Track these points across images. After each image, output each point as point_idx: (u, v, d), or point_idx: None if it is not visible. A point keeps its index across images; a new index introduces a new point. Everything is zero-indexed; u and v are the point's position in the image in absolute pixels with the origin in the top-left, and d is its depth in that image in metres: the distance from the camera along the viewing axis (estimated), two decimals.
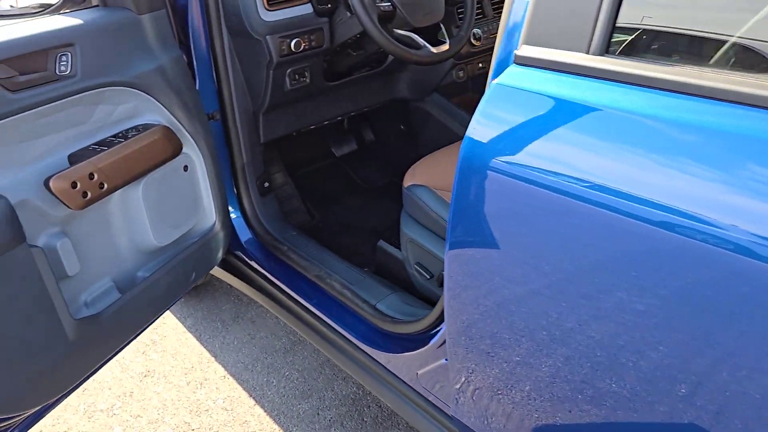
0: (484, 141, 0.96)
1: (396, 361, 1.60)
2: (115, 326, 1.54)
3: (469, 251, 1.09)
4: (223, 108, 1.94)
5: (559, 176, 0.87)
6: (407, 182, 1.73)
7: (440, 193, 1.66)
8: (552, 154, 0.88)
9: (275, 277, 1.98)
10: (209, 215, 1.82)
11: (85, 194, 1.37)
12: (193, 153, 1.72)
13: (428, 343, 1.43)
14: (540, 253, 0.94)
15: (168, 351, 2.44)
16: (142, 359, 2.40)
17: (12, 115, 1.25)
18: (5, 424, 1.37)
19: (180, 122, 1.64)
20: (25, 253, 1.28)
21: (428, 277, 1.68)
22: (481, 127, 0.96)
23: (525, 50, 0.93)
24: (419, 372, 1.50)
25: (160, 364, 2.38)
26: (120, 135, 1.50)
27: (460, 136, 2.39)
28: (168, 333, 2.53)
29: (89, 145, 1.45)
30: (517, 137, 0.93)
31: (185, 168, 1.70)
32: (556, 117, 0.89)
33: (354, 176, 2.73)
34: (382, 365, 1.66)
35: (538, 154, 0.90)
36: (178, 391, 2.25)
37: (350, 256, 2.07)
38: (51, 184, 1.30)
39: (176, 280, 1.72)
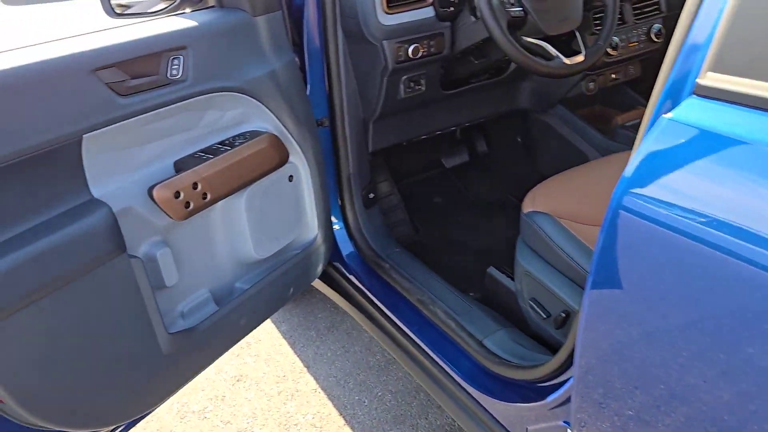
0: (648, 186, 0.78)
1: (502, 409, 1.44)
2: (209, 340, 1.48)
3: (617, 299, 0.91)
4: (333, 115, 1.84)
5: (748, 246, 0.68)
6: (527, 208, 1.55)
7: (565, 223, 1.47)
8: (743, 218, 0.69)
9: (374, 296, 1.87)
10: (311, 228, 1.74)
11: (187, 204, 1.31)
12: (300, 162, 1.63)
13: (545, 397, 1.25)
14: (715, 321, 0.75)
15: (261, 356, 2.40)
16: (236, 362, 2.37)
17: (120, 121, 1.20)
18: None
19: (288, 130, 1.56)
20: (125, 264, 1.24)
21: (544, 316, 1.50)
22: (645, 170, 0.78)
23: (712, 79, 0.74)
24: (530, 428, 1.33)
25: (253, 369, 2.35)
26: (226, 142, 1.44)
27: (584, 155, 2.16)
28: (263, 337, 2.49)
29: (195, 152, 1.39)
30: (695, 188, 0.74)
31: (290, 178, 1.62)
32: (757, 171, 0.69)
33: (463, 189, 2.57)
34: (486, 409, 1.50)
35: (724, 214, 0.71)
36: (268, 400, 2.20)
37: (455, 278, 1.92)
38: (154, 193, 1.25)
39: (273, 295, 1.65)
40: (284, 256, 1.68)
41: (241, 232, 1.54)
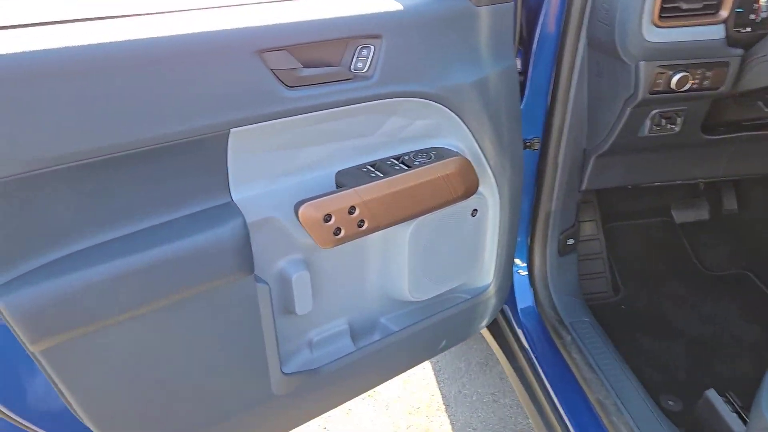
0: None
1: None
2: (334, 384, 1.25)
3: None
4: (547, 138, 1.48)
5: None
6: None
7: None
8: None
9: (542, 369, 1.50)
10: (485, 274, 1.41)
11: (337, 231, 1.05)
12: (490, 194, 1.30)
13: None
14: None
15: (401, 374, 2.16)
16: None
17: (281, 117, 0.97)
18: None
19: (484, 153, 1.23)
20: (249, 288, 1.03)
21: None
22: None
23: None
24: None
25: (385, 386, 2.12)
26: (404, 159, 1.15)
27: None
28: None
29: (363, 165, 1.13)
30: None
31: (473, 212, 1.30)
32: None
33: (691, 253, 2.04)
34: None
35: None
36: (394, 430, 1.96)
37: (652, 370, 1.48)
38: (300, 212, 1.01)
39: (421, 345, 1.37)
40: (444, 302, 1.38)
41: (397, 266, 1.26)
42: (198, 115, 0.90)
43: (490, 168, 1.26)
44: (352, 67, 1.04)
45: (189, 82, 0.87)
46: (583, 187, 1.58)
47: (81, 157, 0.83)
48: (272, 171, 1.05)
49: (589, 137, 1.48)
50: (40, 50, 0.77)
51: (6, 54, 0.75)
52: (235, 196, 1.02)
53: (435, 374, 2.17)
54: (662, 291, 1.91)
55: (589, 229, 1.88)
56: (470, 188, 1.20)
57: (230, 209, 1.00)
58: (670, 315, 1.81)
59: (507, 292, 1.48)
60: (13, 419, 1.04)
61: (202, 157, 0.95)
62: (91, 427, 0.98)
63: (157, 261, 0.92)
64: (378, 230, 1.11)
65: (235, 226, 0.98)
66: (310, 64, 0.99)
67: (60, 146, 0.80)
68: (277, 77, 0.95)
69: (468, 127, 1.19)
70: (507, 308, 1.66)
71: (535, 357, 1.51)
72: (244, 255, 1.00)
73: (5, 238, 0.82)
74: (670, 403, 1.51)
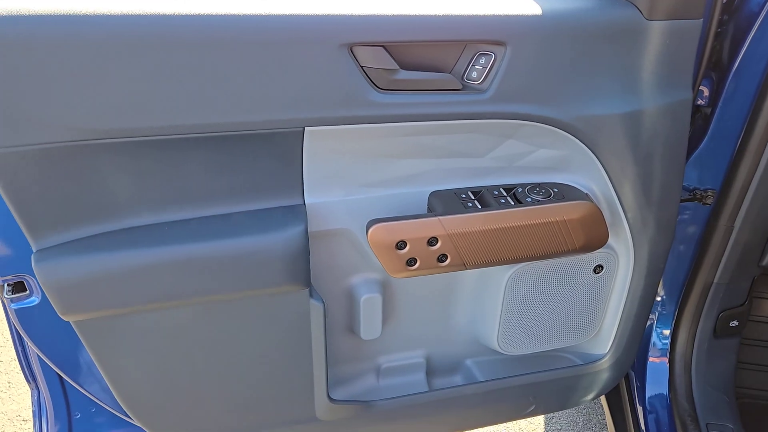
0: None
1: None
2: (387, 423, 1.13)
3: None
4: (726, 192, 1.18)
5: None
6: None
7: None
8: None
9: None
10: (601, 343, 1.17)
11: (412, 262, 0.92)
12: (623, 252, 1.06)
13: None
14: None
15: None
16: None
17: (368, 123, 0.85)
18: None
19: (621, 202, 1.00)
20: (301, 304, 0.94)
21: None
22: None
23: None
24: None
25: None
26: (516, 191, 0.97)
27: None
28: None
29: (464, 190, 0.97)
30: None
31: (597, 269, 1.07)
32: None
33: None
34: None
35: None
36: None
37: None
38: (370, 232, 0.89)
39: (507, 403, 1.18)
40: (549, 359, 1.18)
41: (488, 312, 1.09)
42: (273, 107, 0.81)
43: (627, 221, 1.02)
44: (465, 76, 0.88)
45: (267, 71, 0.79)
46: (765, 262, 1.25)
47: (144, 133, 0.78)
48: (354, 179, 0.93)
49: None
50: (115, 15, 0.72)
51: (80, 15, 0.71)
52: (309, 199, 0.93)
53: (545, 419, 1.94)
54: None
55: (766, 308, 1.51)
56: (595, 242, 0.98)
57: (295, 213, 0.91)
58: None
59: (627, 369, 1.22)
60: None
61: (276, 153, 0.87)
62: (121, 404, 0.96)
63: (204, 255, 0.86)
64: (464, 269, 0.95)
65: (295, 233, 0.88)
66: (410, 66, 0.85)
67: (125, 120, 0.76)
68: (368, 77, 0.83)
69: (605, 168, 0.97)
70: (635, 380, 1.39)
71: None
72: (299, 266, 0.91)
73: (55, 204, 0.80)
74: None
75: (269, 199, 0.90)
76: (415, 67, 0.86)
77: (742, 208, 1.17)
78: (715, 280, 1.26)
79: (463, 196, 0.97)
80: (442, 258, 0.93)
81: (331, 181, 0.92)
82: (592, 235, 0.98)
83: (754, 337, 1.48)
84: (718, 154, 1.17)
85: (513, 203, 0.95)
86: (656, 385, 1.33)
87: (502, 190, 0.98)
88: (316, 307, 0.95)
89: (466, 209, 0.93)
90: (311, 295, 0.95)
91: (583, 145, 0.94)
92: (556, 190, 0.98)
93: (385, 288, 1.05)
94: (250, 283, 0.89)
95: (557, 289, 1.07)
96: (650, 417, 1.30)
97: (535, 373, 1.15)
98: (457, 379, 1.21)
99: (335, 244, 0.98)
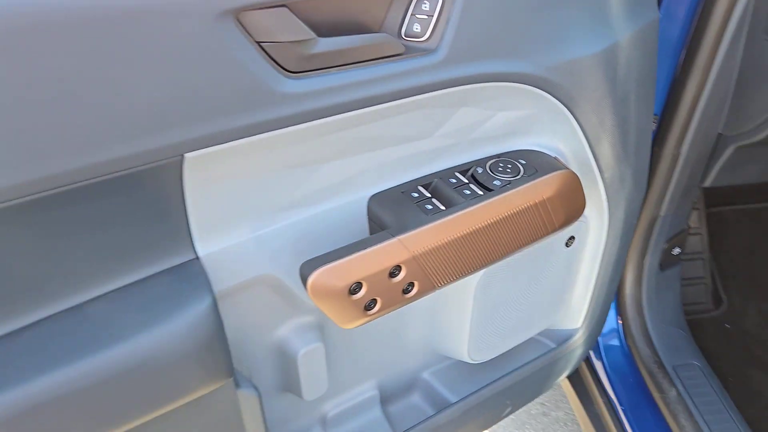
0: None
1: None
2: None
3: None
4: (670, 119, 1.05)
5: None
6: None
7: None
8: None
9: (630, 425, 1.15)
10: (572, 318, 1.02)
11: (371, 305, 0.66)
12: (596, 216, 0.89)
13: None
14: None
15: None
16: None
17: (276, 128, 0.56)
18: None
19: (598, 161, 0.82)
20: (227, 402, 0.65)
21: None
22: None
23: None
24: None
25: None
26: (475, 171, 0.75)
27: None
28: None
29: (412, 184, 0.73)
30: None
31: (569, 242, 0.89)
32: None
33: None
34: None
35: None
36: None
37: None
38: (310, 282, 0.62)
39: (480, 420, 1.00)
40: (519, 352, 1.01)
41: (455, 326, 0.88)
42: (119, 134, 0.49)
43: (603, 181, 0.84)
44: (403, 31, 0.61)
45: (100, 72, 0.46)
46: (708, 183, 1.16)
47: None
48: (265, 205, 0.65)
49: (731, 120, 1.05)
50: None
51: None
52: (204, 249, 0.62)
53: None
54: None
55: (694, 218, 1.47)
56: (574, 214, 0.80)
57: (189, 279, 0.61)
58: None
59: (596, 339, 1.09)
60: None
61: (142, 198, 0.55)
62: None
63: (64, 389, 0.53)
64: (434, 291, 0.72)
65: (196, 313, 0.59)
66: (334, 28, 0.57)
67: None
68: (270, 57, 0.53)
69: (580, 123, 0.76)
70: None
71: (626, 419, 1.14)
72: (213, 357, 0.62)
73: None
74: None
75: (145, 265, 0.59)
76: (331, 30, 0.57)
77: (689, 132, 1.05)
78: (662, 213, 1.15)
79: (414, 194, 0.72)
80: (408, 288, 0.68)
81: (233, 215, 0.63)
82: (572, 208, 0.79)
83: (687, 251, 1.44)
84: (658, 75, 1.03)
85: (481, 192, 0.72)
86: (611, 337, 1.23)
87: (458, 174, 0.75)
88: (248, 399, 0.67)
89: (428, 214, 0.69)
90: (239, 385, 0.66)
91: (555, 101, 0.73)
92: (523, 162, 0.77)
93: (323, 329, 0.79)
94: (143, 407, 0.58)
95: (530, 277, 0.88)
96: (613, 376, 1.20)
97: (510, 374, 0.97)
98: (416, 398, 1.00)
99: (252, 296, 0.70)
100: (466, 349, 0.90)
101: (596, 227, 0.91)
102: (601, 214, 0.88)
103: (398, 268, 0.66)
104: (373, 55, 0.59)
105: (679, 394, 1.13)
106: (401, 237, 0.66)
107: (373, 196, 0.72)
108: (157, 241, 0.59)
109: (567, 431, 1.69)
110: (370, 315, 0.67)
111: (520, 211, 0.73)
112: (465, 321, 0.86)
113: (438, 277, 0.70)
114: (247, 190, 0.62)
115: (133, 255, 0.58)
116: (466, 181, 0.74)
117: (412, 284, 0.68)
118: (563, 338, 1.03)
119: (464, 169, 0.76)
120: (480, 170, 0.75)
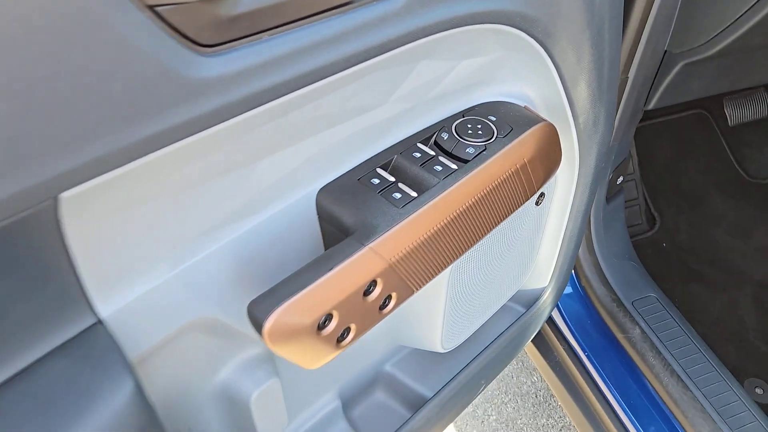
0: None
1: None
2: None
3: None
4: None
5: None
6: None
7: None
8: None
9: (598, 372, 1.10)
10: (541, 274, 0.93)
11: (345, 334, 0.52)
12: (565, 167, 0.78)
13: None
14: None
15: None
16: None
17: (191, 133, 0.38)
18: None
19: (573, 106, 0.69)
20: None
21: None
22: None
23: None
24: None
25: None
26: (440, 138, 0.61)
27: None
28: None
29: (369, 166, 0.57)
30: None
31: (539, 200, 0.78)
32: None
33: (736, 159, 1.62)
34: None
35: None
36: None
37: (727, 347, 1.13)
38: (267, 329, 0.46)
39: (458, 405, 0.90)
40: (490, 324, 0.90)
41: (425, 318, 0.75)
42: None
43: (576, 127, 0.72)
44: None
45: None
46: (652, 105, 1.08)
47: None
48: (181, 233, 0.47)
49: (679, 37, 0.96)
50: None
51: None
52: (106, 309, 0.45)
53: None
54: (706, 214, 1.51)
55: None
56: (551, 171, 0.68)
57: (93, 346, 0.43)
58: (724, 249, 1.43)
59: (561, 294, 1.01)
60: None
61: (11, 260, 0.37)
62: None
63: None
64: (412, 295, 0.58)
65: (109, 403, 0.42)
66: None
67: None
68: (171, 26, 0.35)
69: (555, 64, 0.63)
70: None
71: (592, 365, 1.09)
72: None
73: None
74: (758, 391, 1.17)
75: (30, 346, 0.41)
76: None
77: (637, 54, 0.95)
78: (611, 141, 1.06)
79: (375, 180, 0.57)
80: (385, 302, 0.54)
81: (140, 256, 0.45)
82: (549, 165, 0.67)
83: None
84: None
85: (454, 166, 0.58)
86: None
87: (421, 146, 0.60)
88: None
89: (398, 206, 0.54)
90: None
91: (529, 40, 0.59)
92: (492, 118, 0.63)
93: (274, 358, 0.64)
94: None
95: (501, 247, 0.76)
96: (572, 322, 1.13)
97: (483, 352, 0.87)
98: (380, 395, 0.88)
99: (182, 348, 0.53)
100: (438, 340, 0.78)
101: (565, 179, 0.79)
102: (572, 164, 0.77)
103: (373, 283, 0.51)
104: (317, 8, 0.41)
105: (642, 331, 1.09)
106: (373, 244, 0.50)
107: (323, 189, 0.56)
108: (43, 312, 0.40)
109: (541, 409, 1.65)
110: (343, 346, 0.53)
111: (502, 181, 0.59)
112: (437, 311, 0.73)
113: (417, 279, 0.56)
114: (155, 219, 0.44)
115: (11, 336, 0.39)
116: (433, 153, 0.59)
117: (390, 297, 0.54)
118: (531, 300, 0.93)
119: (426, 137, 0.61)
120: (445, 135, 0.61)
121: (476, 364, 0.86)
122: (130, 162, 0.36)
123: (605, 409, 1.07)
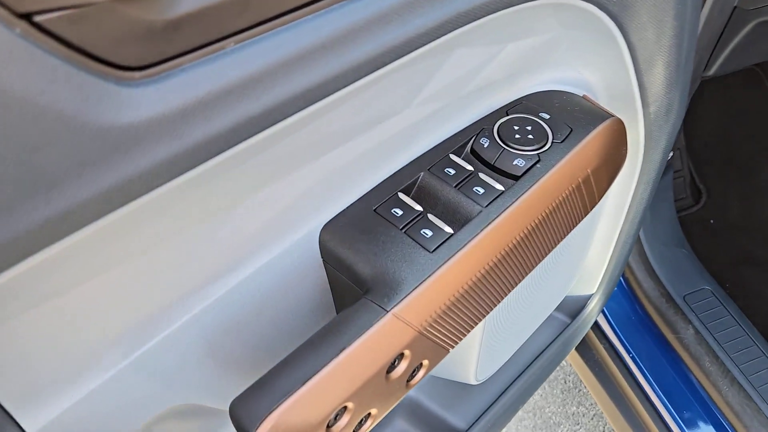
0: None
1: None
2: None
3: None
4: None
5: None
6: None
7: None
8: None
9: (645, 378, 0.98)
10: (590, 279, 0.80)
11: (363, 422, 0.39)
12: (628, 161, 0.64)
13: None
14: None
15: None
16: None
17: (124, 202, 0.25)
18: None
19: (644, 93, 0.55)
20: None
21: None
22: None
23: None
24: None
25: None
26: (477, 145, 0.47)
27: None
28: None
29: (387, 196, 0.44)
30: None
31: None
32: None
33: None
34: None
35: None
36: None
37: None
38: None
39: (492, 430, 0.78)
40: (525, 351, 0.78)
41: (462, 350, 0.63)
42: None
43: (645, 117, 0.58)
44: None
45: None
46: (712, 71, 0.93)
47: None
48: (139, 309, 0.34)
49: None
50: None
51: None
52: (36, 423, 0.32)
53: None
54: (759, 187, 1.36)
55: None
56: (614, 175, 0.54)
57: None
58: None
59: (608, 299, 0.88)
60: None
61: None
62: None
63: None
64: (446, 354, 0.45)
65: None
66: None
67: None
68: (68, 44, 0.21)
69: (630, 43, 0.48)
70: None
71: (640, 372, 0.97)
72: None
73: None
74: None
75: None
76: None
77: (704, 8, 0.79)
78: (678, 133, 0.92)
79: (397, 211, 0.43)
80: (413, 374, 0.42)
81: (75, 352, 0.32)
82: (614, 168, 0.53)
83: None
84: None
85: (500, 187, 0.44)
86: None
87: (454, 158, 0.46)
88: None
89: (429, 249, 0.41)
90: None
91: (600, 15, 0.44)
92: (546, 116, 0.49)
93: None
94: None
95: (547, 262, 0.63)
96: (615, 321, 1.01)
97: (520, 378, 0.75)
98: (400, 423, 0.77)
99: None
100: (473, 373, 0.65)
101: (624, 177, 0.66)
102: (634, 160, 0.63)
103: (399, 356, 0.39)
104: (294, 4, 0.27)
105: (696, 331, 0.96)
106: (398, 309, 0.38)
107: (328, 225, 0.42)
108: None
109: (571, 395, 1.53)
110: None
111: (560, 202, 0.46)
112: (473, 344, 0.61)
113: (453, 338, 0.43)
114: (90, 305, 0.31)
115: None
116: (471, 168, 0.45)
117: (420, 365, 0.42)
118: (577, 309, 0.80)
119: (460, 144, 0.47)
120: (485, 141, 0.47)
121: (514, 391, 0.74)
122: (20, 261, 0.23)
123: (654, 420, 0.96)
